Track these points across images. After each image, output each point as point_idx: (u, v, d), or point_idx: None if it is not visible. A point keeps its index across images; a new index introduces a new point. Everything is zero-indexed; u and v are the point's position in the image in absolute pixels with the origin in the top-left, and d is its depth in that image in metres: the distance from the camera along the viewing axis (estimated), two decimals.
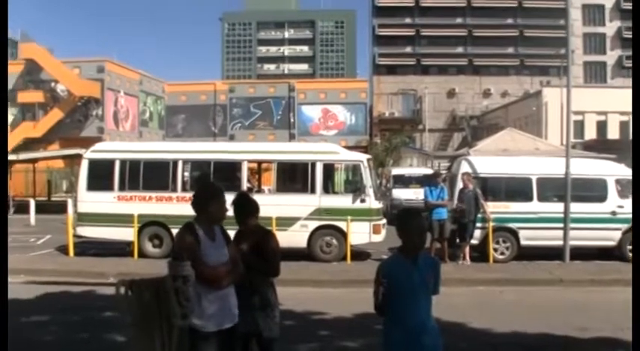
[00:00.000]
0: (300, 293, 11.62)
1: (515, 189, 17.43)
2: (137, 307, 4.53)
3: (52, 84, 48.64)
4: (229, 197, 5.63)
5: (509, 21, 75.92)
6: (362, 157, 17.93)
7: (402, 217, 5.20)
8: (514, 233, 16.93)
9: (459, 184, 16.94)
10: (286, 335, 6.38)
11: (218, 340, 5.07)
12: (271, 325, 5.99)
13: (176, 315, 4.44)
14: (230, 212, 5.60)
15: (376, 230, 17.10)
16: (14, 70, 50.18)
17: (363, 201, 17.00)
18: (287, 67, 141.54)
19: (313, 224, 17.07)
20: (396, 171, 35.35)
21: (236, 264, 5.32)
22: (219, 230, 5.35)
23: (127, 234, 17.43)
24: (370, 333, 9.18)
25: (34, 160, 41.26)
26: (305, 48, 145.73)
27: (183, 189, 17.57)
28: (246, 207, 6.09)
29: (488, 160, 19.86)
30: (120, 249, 18.23)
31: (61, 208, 31.16)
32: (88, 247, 18.71)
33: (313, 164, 17.26)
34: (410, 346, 4.94)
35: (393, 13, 77.15)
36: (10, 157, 37.43)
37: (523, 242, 16.95)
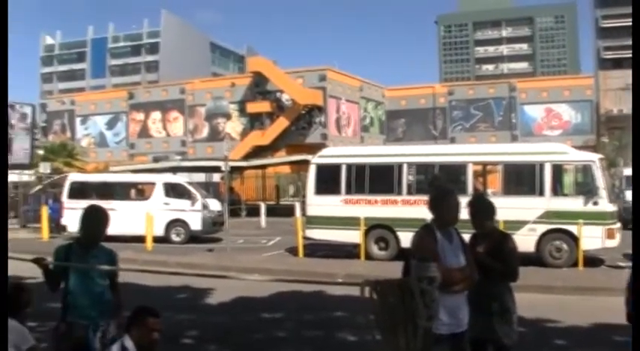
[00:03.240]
0: (530, 299, 11.19)
1: None
2: (381, 307, 4.59)
3: (278, 94, 51.00)
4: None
5: None
6: (593, 157, 17.07)
7: None
8: None
9: None
10: (520, 342, 6.12)
11: (450, 344, 5.01)
12: (509, 331, 5.82)
13: (422, 316, 4.45)
14: (465, 215, 5.52)
15: (610, 235, 16.17)
16: (243, 82, 53.57)
17: (595, 204, 16.18)
18: (506, 67, 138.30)
19: (542, 228, 16.51)
20: (628, 171, 33.25)
21: (472, 270, 5.20)
22: (455, 234, 5.26)
23: (353, 236, 17.86)
24: (609, 344, 8.71)
25: (263, 167, 43.68)
26: (524, 46, 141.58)
27: (409, 192, 17.70)
28: (483, 209, 5.99)
29: None
30: (347, 251, 18.72)
31: (288, 211, 32.70)
32: (316, 249, 19.40)
33: (541, 165, 16.70)
34: None
35: (618, 2, 72.42)
36: (241, 163, 40.01)
37: None
